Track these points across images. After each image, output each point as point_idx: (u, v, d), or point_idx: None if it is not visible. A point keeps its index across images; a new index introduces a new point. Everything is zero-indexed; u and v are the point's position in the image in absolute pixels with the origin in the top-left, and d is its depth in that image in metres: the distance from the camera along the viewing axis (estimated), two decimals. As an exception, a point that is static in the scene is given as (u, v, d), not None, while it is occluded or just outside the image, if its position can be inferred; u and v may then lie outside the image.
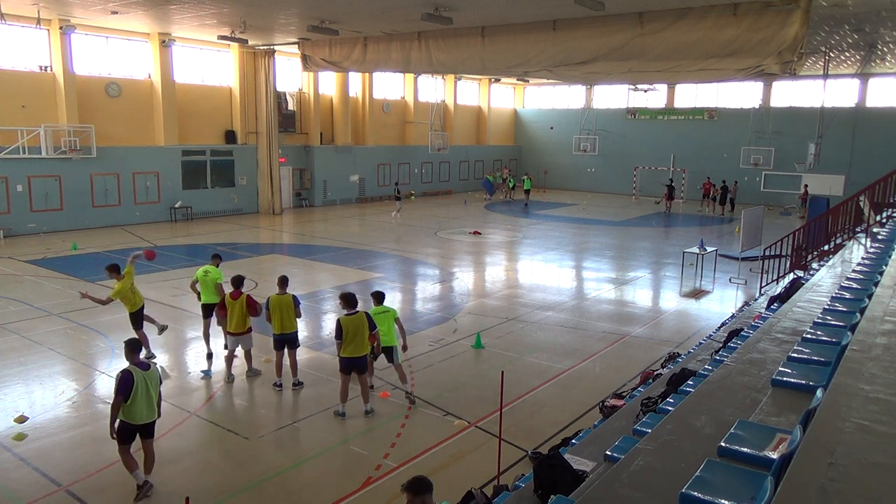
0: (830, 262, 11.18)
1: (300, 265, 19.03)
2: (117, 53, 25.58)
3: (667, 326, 13.75)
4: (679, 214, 32.88)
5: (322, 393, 9.68)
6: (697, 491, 3.01)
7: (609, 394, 9.54)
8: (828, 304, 6.31)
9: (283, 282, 9.84)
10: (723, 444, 3.49)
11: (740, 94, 36.96)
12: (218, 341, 11.29)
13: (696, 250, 18.28)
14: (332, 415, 8.90)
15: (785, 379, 4.34)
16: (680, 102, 39.67)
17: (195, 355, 11.35)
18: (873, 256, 9.29)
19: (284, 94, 31.24)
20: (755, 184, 34.00)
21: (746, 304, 14.21)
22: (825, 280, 8.85)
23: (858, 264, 8.80)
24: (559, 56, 18.54)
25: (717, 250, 19.30)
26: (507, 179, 39.16)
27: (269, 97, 29.10)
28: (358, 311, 8.78)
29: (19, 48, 23.00)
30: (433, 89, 39.50)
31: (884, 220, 14.18)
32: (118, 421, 6.74)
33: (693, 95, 39.27)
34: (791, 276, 14.26)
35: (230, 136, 29.17)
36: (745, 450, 3.43)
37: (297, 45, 26.04)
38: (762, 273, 16.55)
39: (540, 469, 4.67)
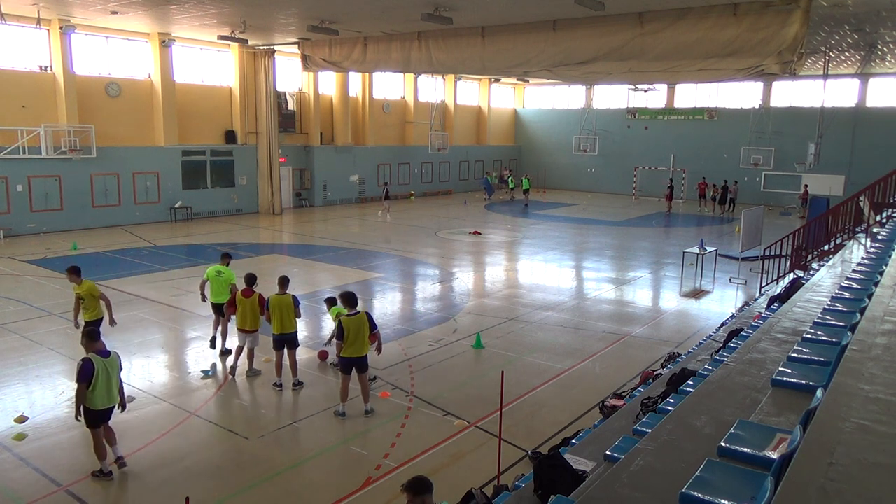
0: (830, 262, 11.17)
1: (300, 265, 19.03)
2: (117, 53, 25.57)
3: (667, 326, 13.75)
4: (679, 214, 32.89)
5: (322, 393, 9.69)
6: (697, 491, 3.01)
7: (609, 394, 9.54)
8: (828, 304, 6.31)
9: (284, 282, 9.87)
10: (723, 444, 3.49)
11: (740, 94, 36.96)
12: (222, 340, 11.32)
13: (696, 250, 18.28)
14: (332, 415, 8.90)
15: (785, 379, 4.34)
16: (680, 102, 39.68)
17: (195, 355, 11.35)
18: (873, 256, 9.29)
19: (284, 94, 31.24)
20: (755, 184, 34.00)
21: (746, 304, 14.21)
22: (825, 280, 8.85)
23: (858, 264, 8.80)
24: (559, 56, 18.54)
25: (717, 250, 19.30)
26: (508, 179, 39.16)
27: (269, 97, 29.10)
28: (359, 312, 8.79)
29: (19, 48, 23.00)
30: (433, 89, 39.49)
31: (884, 220, 14.17)
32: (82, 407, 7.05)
33: (693, 95, 39.27)
34: (791, 276, 14.25)
35: (230, 136, 29.17)
36: (745, 450, 3.43)
37: (297, 45, 26.04)
38: (762, 273, 16.56)
39: (540, 469, 4.67)
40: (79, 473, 7.32)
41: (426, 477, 4.19)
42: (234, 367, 10.31)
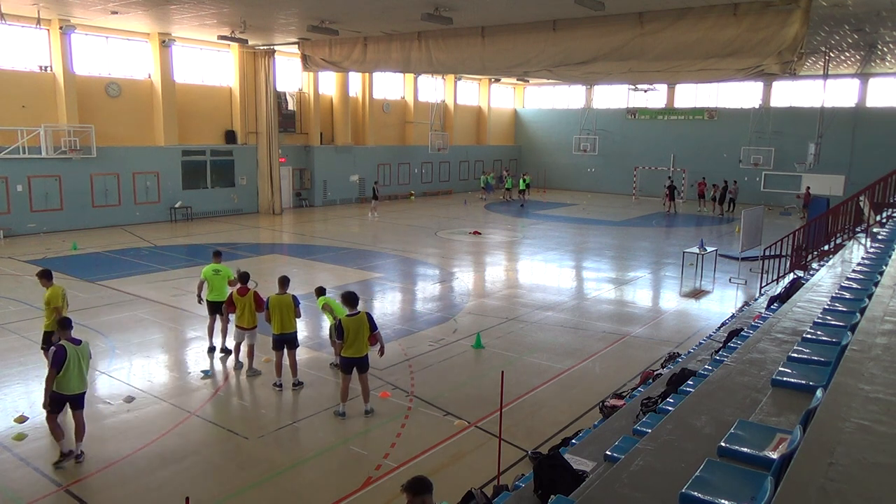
0: (830, 262, 11.17)
1: (300, 265, 19.03)
2: (117, 53, 25.57)
3: (667, 326, 13.74)
4: (679, 214, 32.88)
5: (322, 393, 9.68)
6: (697, 491, 3.01)
7: (609, 394, 9.54)
8: (828, 304, 6.31)
9: (284, 282, 9.89)
10: (723, 444, 3.49)
11: (740, 94, 36.95)
12: (218, 339, 11.32)
13: (696, 250, 18.28)
14: (332, 415, 8.90)
15: (785, 379, 4.34)
16: (680, 102, 39.67)
17: (195, 355, 11.35)
18: (873, 256, 9.29)
19: (284, 94, 31.24)
20: (755, 184, 33.99)
21: (746, 304, 14.20)
22: (825, 280, 8.85)
23: (858, 264, 8.79)
24: (559, 56, 18.54)
25: (717, 250, 19.30)
26: (506, 179, 39.14)
27: (269, 97, 29.09)
28: (359, 312, 8.79)
29: (19, 48, 22.99)
30: (433, 89, 39.49)
31: (884, 220, 14.17)
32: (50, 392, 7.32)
33: (693, 95, 39.26)
34: (791, 276, 14.25)
35: (230, 136, 29.16)
36: (745, 450, 3.43)
37: (297, 45, 26.04)
38: (762, 273, 16.55)
39: (540, 469, 4.67)
40: (79, 473, 7.32)
41: (426, 477, 4.19)
42: (240, 363, 10.47)
